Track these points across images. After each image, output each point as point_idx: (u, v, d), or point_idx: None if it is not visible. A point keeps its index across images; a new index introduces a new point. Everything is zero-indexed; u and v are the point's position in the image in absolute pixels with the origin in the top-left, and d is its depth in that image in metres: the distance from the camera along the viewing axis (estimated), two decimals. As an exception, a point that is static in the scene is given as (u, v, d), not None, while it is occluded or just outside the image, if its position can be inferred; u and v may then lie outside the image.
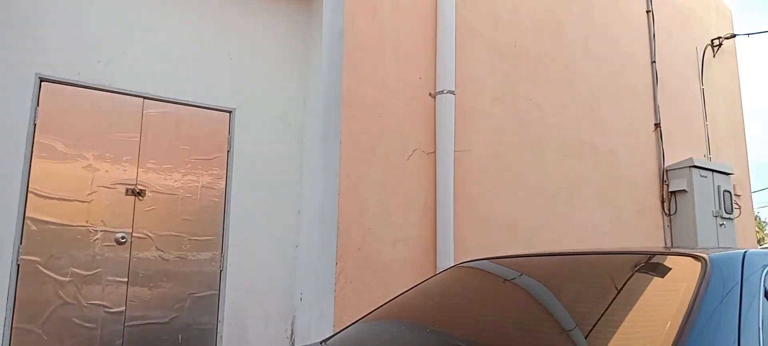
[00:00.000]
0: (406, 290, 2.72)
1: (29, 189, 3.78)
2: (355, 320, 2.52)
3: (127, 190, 4.11)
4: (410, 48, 4.68)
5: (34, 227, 3.75)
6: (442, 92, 4.73)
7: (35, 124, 3.86)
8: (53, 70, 3.97)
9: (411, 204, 4.39)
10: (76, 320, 3.78)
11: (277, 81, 4.87)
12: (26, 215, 3.74)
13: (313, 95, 4.80)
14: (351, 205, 4.06)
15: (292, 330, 4.46)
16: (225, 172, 4.55)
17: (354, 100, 4.29)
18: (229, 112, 4.64)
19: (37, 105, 3.88)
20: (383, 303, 2.61)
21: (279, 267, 4.57)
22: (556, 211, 5.33)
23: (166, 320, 4.09)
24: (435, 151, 4.64)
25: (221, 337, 4.25)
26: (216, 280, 4.36)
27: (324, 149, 4.27)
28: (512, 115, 5.24)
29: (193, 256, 4.28)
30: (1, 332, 3.48)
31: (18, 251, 3.66)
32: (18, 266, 3.65)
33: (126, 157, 4.14)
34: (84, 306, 3.82)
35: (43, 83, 3.92)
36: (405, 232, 4.28)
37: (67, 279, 3.79)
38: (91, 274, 3.88)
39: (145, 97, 4.29)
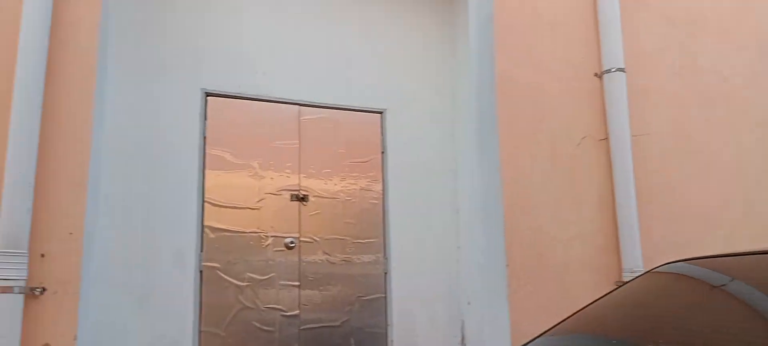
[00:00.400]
0: (597, 299, 2.46)
1: (205, 199, 4.11)
2: (541, 333, 2.32)
3: (291, 196, 4.33)
4: (568, 25, 4.42)
5: (211, 235, 4.07)
6: (609, 71, 4.40)
7: (205, 137, 4.19)
8: (217, 84, 4.28)
9: (584, 196, 4.12)
10: (256, 324, 4.04)
11: (424, 77, 4.88)
12: (204, 223, 4.07)
13: (463, 87, 4.72)
14: (516, 200, 3.90)
15: (462, 336, 4.41)
16: (381, 173, 4.63)
17: (510, 86, 4.12)
18: (380, 113, 4.73)
19: (205, 119, 4.21)
20: (571, 314, 2.39)
21: (442, 269, 4.56)
22: (759, 199, 4.74)
23: (338, 323, 4.25)
24: (607, 137, 4.33)
25: (392, 341, 4.32)
26: (381, 283, 4.45)
27: (480, 142, 4.16)
28: (694, 90, 4.75)
29: (358, 259, 4.40)
30: (191, 335, 3.82)
31: (199, 258, 4.00)
32: (201, 272, 3.99)
33: (288, 164, 4.36)
34: (262, 310, 4.07)
35: (208, 98, 4.25)
36: (580, 227, 4.03)
37: (245, 284, 4.07)
38: (266, 278, 4.13)
39: (300, 104, 4.49)
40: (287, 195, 4.32)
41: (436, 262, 4.58)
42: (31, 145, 2.71)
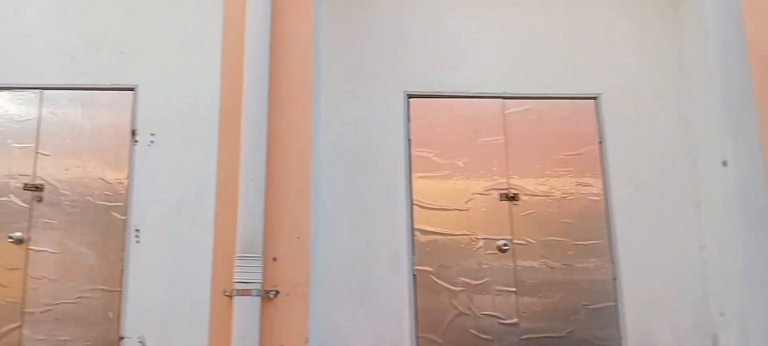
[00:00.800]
0: None
1: (413, 202, 4.08)
2: None
3: (500, 195, 4.11)
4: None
5: (422, 238, 4.03)
6: None
7: (409, 140, 4.17)
8: (418, 85, 4.26)
9: None
10: (473, 331, 3.89)
11: (643, 53, 4.36)
12: (414, 226, 4.04)
13: (694, 61, 4.09)
14: (787, 189, 3.22)
15: (717, 352, 3.78)
16: (600, 167, 4.19)
17: (765, 53, 3.46)
18: (594, 98, 4.30)
19: (409, 121, 4.20)
20: None
21: (683, 274, 3.98)
22: None
23: (563, 333, 3.91)
24: None
25: (628, 356, 3.87)
26: (610, 290, 4.01)
27: (731, 124, 3.54)
28: None
29: (580, 263, 4.02)
30: (409, 339, 3.80)
31: (412, 262, 3.97)
32: (414, 276, 3.96)
33: (494, 161, 4.16)
34: (478, 316, 3.92)
35: (410, 99, 4.23)
36: None
37: (459, 289, 3.95)
38: (480, 283, 3.97)
39: (503, 97, 4.28)
40: (496, 194, 4.11)
41: (674, 265, 4.00)
42: (260, 154, 2.87)
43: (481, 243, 4.03)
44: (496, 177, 4.14)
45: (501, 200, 4.11)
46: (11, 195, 3.97)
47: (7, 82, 4.10)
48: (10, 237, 3.89)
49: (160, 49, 4.18)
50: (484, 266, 3.99)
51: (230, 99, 3.03)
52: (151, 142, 4.03)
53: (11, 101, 4.09)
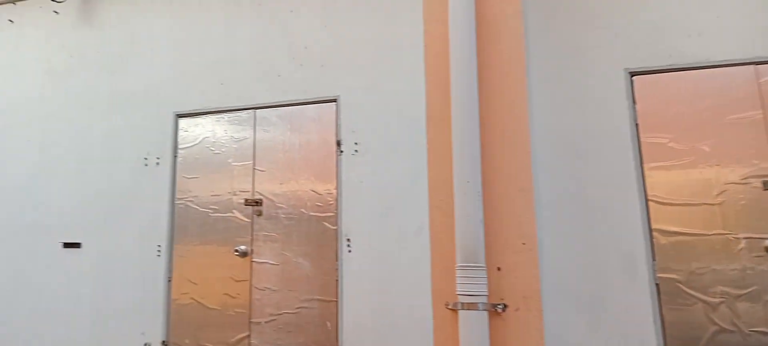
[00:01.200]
0: None
1: (648, 197, 3.59)
2: None
3: (764, 183, 3.43)
4: None
5: (663, 240, 3.52)
6: None
7: (637, 124, 3.69)
8: (641, 60, 3.76)
9: None
10: (742, 352, 3.30)
11: None
12: (652, 226, 3.55)
13: None
14: None
15: None
16: None
17: None
18: None
19: (634, 103, 3.72)
20: None
21: None
22: None
23: None
24: None
25: None
26: None
27: None
28: None
29: None
30: (656, 361, 3.34)
31: (653, 268, 3.49)
32: (657, 285, 3.47)
33: (751, 143, 3.49)
34: (746, 333, 3.30)
35: (634, 78, 3.75)
36: None
37: (717, 300, 3.37)
38: (746, 293, 3.34)
39: (756, 63, 3.58)
40: (758, 183, 3.45)
41: None
42: (474, 151, 2.69)
43: (742, 244, 3.39)
44: (755, 162, 3.47)
45: (765, 190, 3.43)
46: (235, 210, 4.32)
47: (226, 105, 4.49)
48: (236, 250, 4.23)
49: (357, 58, 4.25)
50: (749, 272, 3.35)
51: (436, 94, 2.90)
52: (356, 151, 4.10)
53: (230, 123, 4.47)
